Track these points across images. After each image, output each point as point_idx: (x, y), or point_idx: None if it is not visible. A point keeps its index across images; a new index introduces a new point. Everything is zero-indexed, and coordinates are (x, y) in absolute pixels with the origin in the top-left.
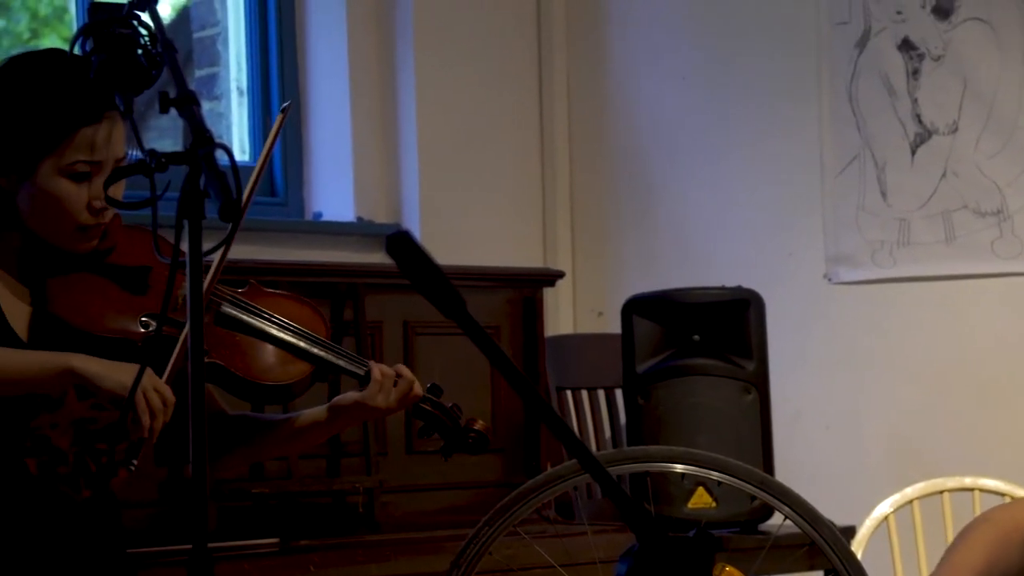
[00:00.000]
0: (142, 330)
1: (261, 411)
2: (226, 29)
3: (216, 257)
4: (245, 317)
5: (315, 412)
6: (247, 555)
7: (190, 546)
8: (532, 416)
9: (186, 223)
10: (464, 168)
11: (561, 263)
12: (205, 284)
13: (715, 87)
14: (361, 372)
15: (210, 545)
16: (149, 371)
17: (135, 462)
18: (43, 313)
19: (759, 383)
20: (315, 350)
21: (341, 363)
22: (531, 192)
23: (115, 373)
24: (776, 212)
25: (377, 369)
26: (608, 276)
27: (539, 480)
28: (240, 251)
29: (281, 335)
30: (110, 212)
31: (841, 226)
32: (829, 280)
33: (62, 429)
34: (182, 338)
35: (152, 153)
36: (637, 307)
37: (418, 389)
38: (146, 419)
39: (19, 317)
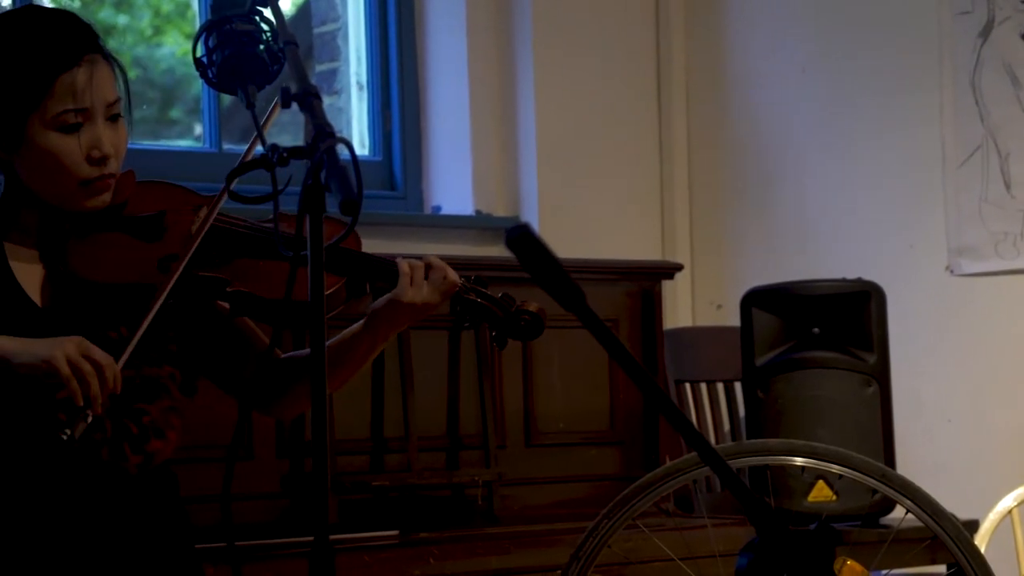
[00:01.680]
0: (161, 273)
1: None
2: (346, 24)
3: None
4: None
5: (353, 326)
6: (367, 547)
7: (311, 538)
8: (651, 409)
9: (307, 217)
10: (582, 161)
11: (680, 256)
12: (208, 215)
13: (835, 78)
14: (391, 271)
15: (331, 537)
16: (78, 339)
17: (67, 431)
18: (58, 273)
19: (880, 376)
20: (341, 259)
21: (369, 267)
22: (649, 185)
23: (33, 347)
24: (897, 204)
25: (405, 263)
26: (727, 269)
27: (658, 473)
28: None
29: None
30: (113, 163)
31: (964, 218)
32: (951, 272)
33: None
34: (161, 298)
35: (274, 148)
36: (756, 300)
37: (454, 277)
38: (73, 385)
39: (33, 283)
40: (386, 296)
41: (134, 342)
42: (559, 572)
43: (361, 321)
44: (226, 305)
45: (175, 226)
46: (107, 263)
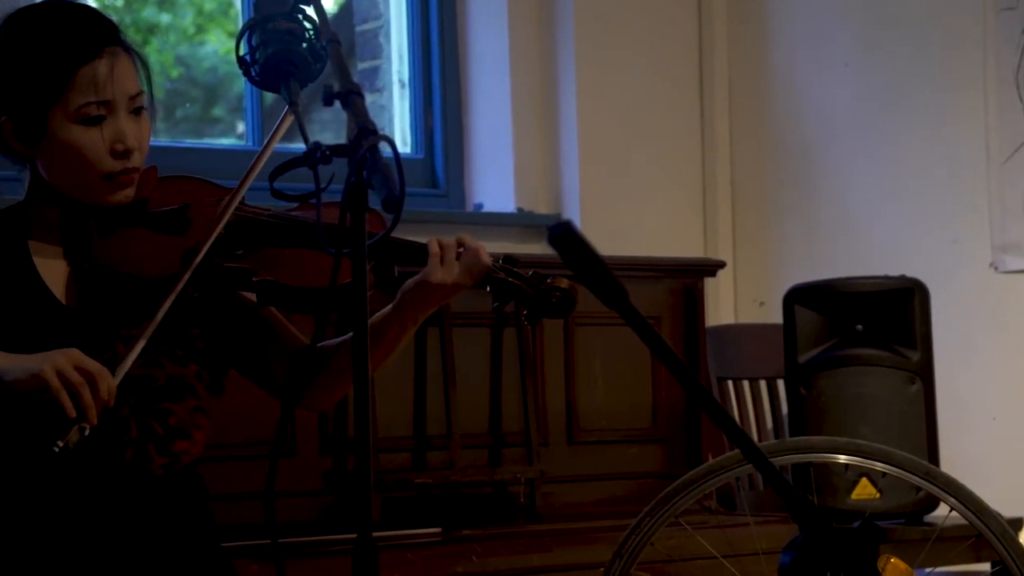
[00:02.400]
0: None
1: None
2: (388, 22)
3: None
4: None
5: (384, 309)
6: (410, 545)
7: (355, 535)
8: (693, 406)
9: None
10: (624, 158)
11: (722, 253)
12: (227, 204)
13: (878, 75)
14: (420, 253)
15: (374, 535)
16: (70, 351)
17: (59, 443)
18: (82, 270)
19: (924, 373)
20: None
21: (396, 250)
22: (692, 182)
23: (24, 363)
24: (941, 200)
25: (435, 243)
26: (769, 266)
27: (701, 471)
28: None
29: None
30: (137, 156)
31: (1008, 214)
32: (995, 269)
33: (119, 394)
34: (178, 288)
35: (317, 145)
36: (799, 297)
37: (486, 260)
38: (63, 397)
39: (58, 280)
40: (415, 277)
41: (147, 335)
42: (602, 570)
43: (391, 304)
44: (253, 297)
45: (198, 219)
46: (132, 258)
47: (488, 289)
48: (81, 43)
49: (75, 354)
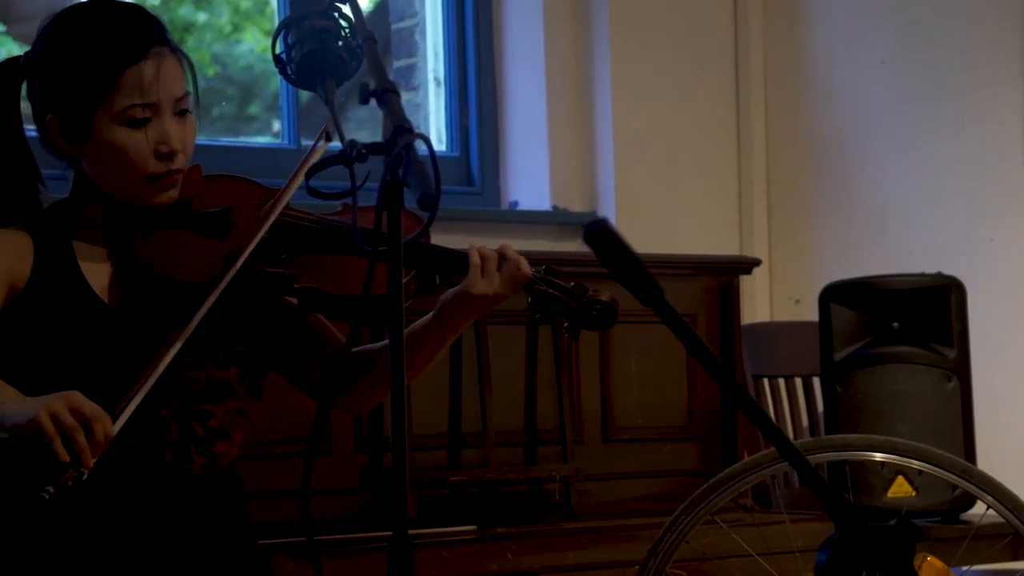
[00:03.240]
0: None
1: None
2: (424, 20)
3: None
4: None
5: (423, 318)
6: (445, 542)
7: (390, 533)
8: (729, 404)
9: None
10: (660, 156)
11: (758, 251)
12: (269, 209)
13: (915, 72)
14: (462, 263)
15: (410, 532)
16: (69, 394)
17: (50, 489)
18: (125, 271)
19: (960, 371)
20: (409, 251)
21: (438, 259)
22: (727, 179)
23: (23, 407)
24: (977, 197)
25: (476, 253)
26: (805, 263)
27: (736, 468)
28: (437, 240)
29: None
30: (181, 158)
31: None
32: None
33: (160, 396)
34: (216, 293)
35: (352, 144)
36: (835, 294)
37: (527, 270)
38: (56, 444)
39: (102, 280)
40: (455, 288)
41: (181, 340)
42: (637, 567)
43: (431, 313)
44: (294, 300)
45: (242, 222)
46: (174, 260)
47: (530, 300)
48: (127, 44)
49: (74, 397)
